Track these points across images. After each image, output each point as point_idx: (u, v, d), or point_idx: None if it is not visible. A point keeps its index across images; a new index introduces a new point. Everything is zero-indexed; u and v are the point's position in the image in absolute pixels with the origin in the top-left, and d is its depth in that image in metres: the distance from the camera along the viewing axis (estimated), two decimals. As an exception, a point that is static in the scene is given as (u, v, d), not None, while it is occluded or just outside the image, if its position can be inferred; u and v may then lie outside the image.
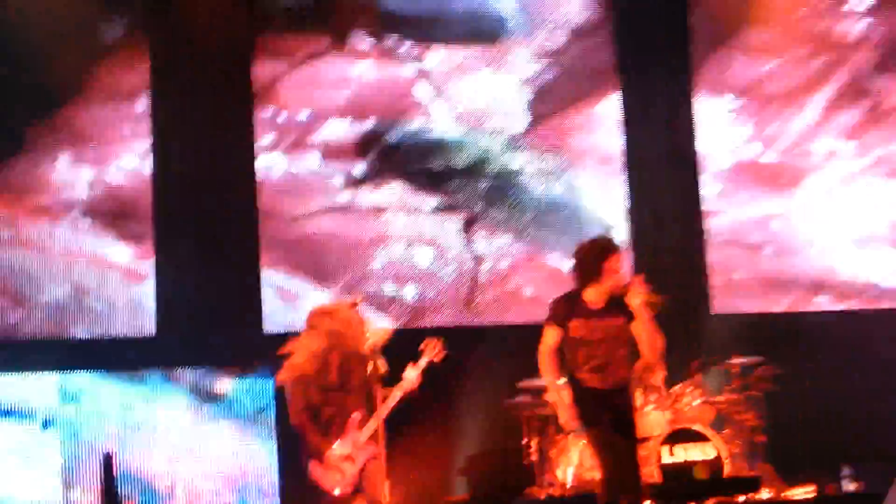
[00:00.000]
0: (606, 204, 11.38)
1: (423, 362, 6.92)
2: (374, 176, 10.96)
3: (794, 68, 11.95)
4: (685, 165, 11.72)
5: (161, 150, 10.75)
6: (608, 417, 6.66)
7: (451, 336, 7.46)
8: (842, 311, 11.70)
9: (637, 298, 6.46)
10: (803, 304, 11.81)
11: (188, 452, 10.06)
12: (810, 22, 12.03)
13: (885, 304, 11.69)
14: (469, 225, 11.19)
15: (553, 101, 11.57)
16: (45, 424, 9.64)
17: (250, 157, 10.96)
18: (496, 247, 11.19)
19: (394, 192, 10.96)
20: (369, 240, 10.85)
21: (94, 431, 9.81)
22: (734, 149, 11.90)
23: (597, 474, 7.59)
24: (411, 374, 6.81)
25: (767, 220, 11.83)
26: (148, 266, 10.51)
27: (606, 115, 11.55)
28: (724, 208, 11.76)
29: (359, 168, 10.89)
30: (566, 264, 9.23)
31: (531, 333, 7.65)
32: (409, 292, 10.89)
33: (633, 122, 11.59)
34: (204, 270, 10.51)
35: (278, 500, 9.89)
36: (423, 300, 10.99)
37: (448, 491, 9.82)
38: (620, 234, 10.96)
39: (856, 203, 11.85)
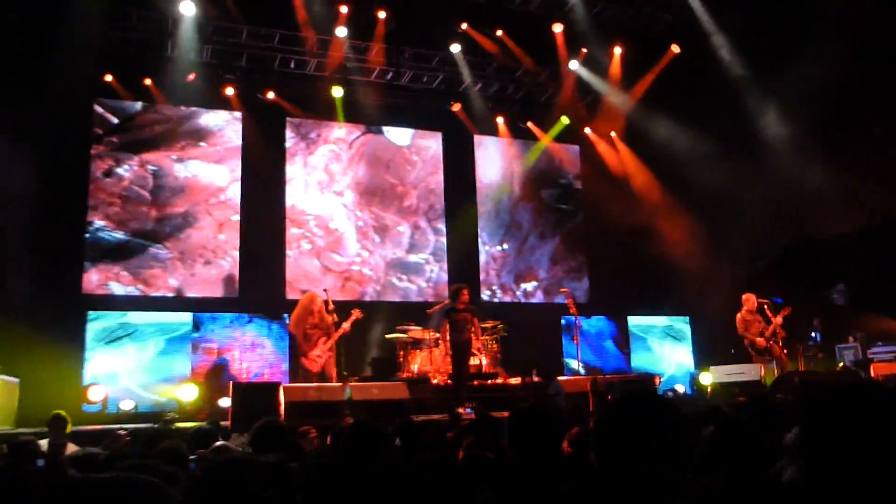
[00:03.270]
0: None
1: (351, 319, 9.31)
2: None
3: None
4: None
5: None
6: (462, 350, 9.42)
7: (364, 306, 10.20)
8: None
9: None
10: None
11: (251, 350, 11.52)
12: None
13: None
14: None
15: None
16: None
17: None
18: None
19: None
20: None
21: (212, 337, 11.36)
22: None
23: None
24: (346, 324, 9.24)
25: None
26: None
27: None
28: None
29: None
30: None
31: (405, 307, 10.96)
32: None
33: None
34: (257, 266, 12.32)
35: (288, 373, 11.21)
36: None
37: (363, 371, 10.89)
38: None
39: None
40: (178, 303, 11.43)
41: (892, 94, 9.88)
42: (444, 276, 13.36)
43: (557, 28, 12.08)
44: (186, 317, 11.15)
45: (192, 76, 11.59)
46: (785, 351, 10.40)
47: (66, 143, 10.87)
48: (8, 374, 7.03)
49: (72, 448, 5.11)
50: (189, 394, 9.71)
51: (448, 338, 9.45)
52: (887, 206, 10.46)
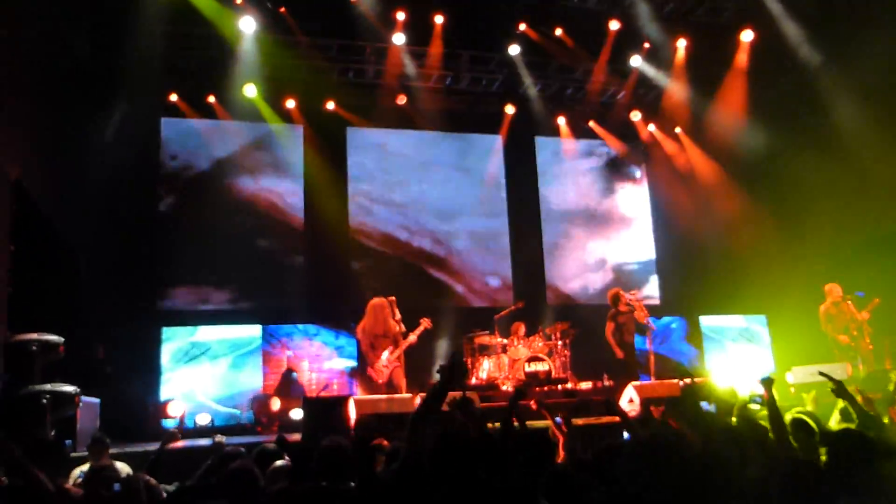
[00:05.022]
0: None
1: (420, 329, 9.22)
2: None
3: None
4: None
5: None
6: (630, 352, 10.11)
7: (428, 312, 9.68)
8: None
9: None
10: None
11: (319, 359, 11.52)
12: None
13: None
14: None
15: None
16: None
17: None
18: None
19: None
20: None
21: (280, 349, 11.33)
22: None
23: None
24: (413, 335, 9.12)
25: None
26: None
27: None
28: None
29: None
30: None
31: (474, 312, 10.84)
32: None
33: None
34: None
35: (357, 383, 11.23)
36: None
37: (430, 378, 10.63)
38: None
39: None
40: (247, 315, 11.51)
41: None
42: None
43: (614, 25, 11.76)
44: (256, 330, 11.18)
45: (251, 90, 11.61)
46: (871, 347, 9.86)
47: (134, 164, 10.96)
48: (88, 395, 7.11)
49: (119, 468, 5.14)
50: (274, 406, 9.87)
51: (613, 339, 10.10)
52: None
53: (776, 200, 12.31)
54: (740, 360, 12.80)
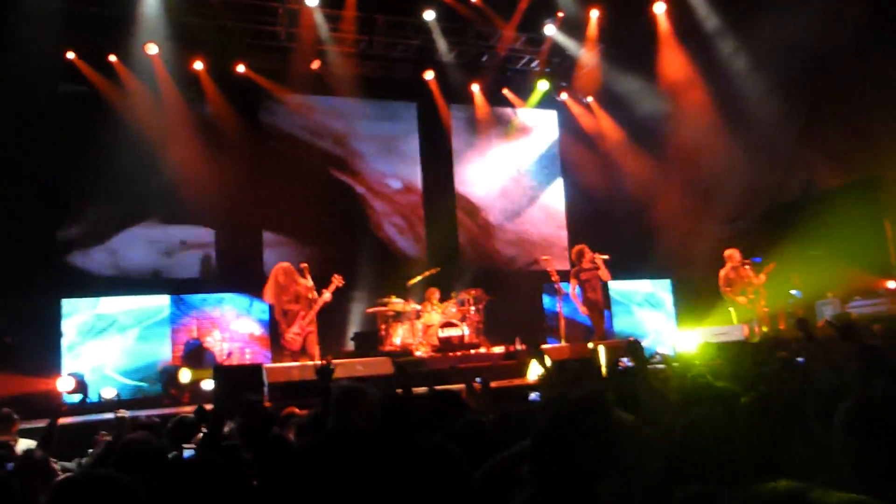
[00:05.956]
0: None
1: (331, 288, 9.15)
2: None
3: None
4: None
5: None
6: (599, 309, 10.28)
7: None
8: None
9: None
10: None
11: (229, 328, 11.32)
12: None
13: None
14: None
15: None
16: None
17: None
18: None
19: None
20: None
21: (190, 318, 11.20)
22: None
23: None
24: (327, 294, 9.12)
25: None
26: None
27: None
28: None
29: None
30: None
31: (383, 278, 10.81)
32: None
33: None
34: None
35: (270, 353, 11.02)
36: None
37: (344, 346, 10.98)
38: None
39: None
40: (154, 284, 11.18)
41: (871, 48, 9.71)
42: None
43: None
44: (163, 300, 10.82)
45: (154, 49, 11.14)
46: (767, 309, 10.40)
47: (33, 128, 10.29)
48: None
49: (23, 444, 5.00)
50: (184, 377, 9.56)
51: (576, 297, 10.11)
52: (866, 161, 10.42)
53: (684, 168, 12.62)
54: (646, 323, 13.22)
